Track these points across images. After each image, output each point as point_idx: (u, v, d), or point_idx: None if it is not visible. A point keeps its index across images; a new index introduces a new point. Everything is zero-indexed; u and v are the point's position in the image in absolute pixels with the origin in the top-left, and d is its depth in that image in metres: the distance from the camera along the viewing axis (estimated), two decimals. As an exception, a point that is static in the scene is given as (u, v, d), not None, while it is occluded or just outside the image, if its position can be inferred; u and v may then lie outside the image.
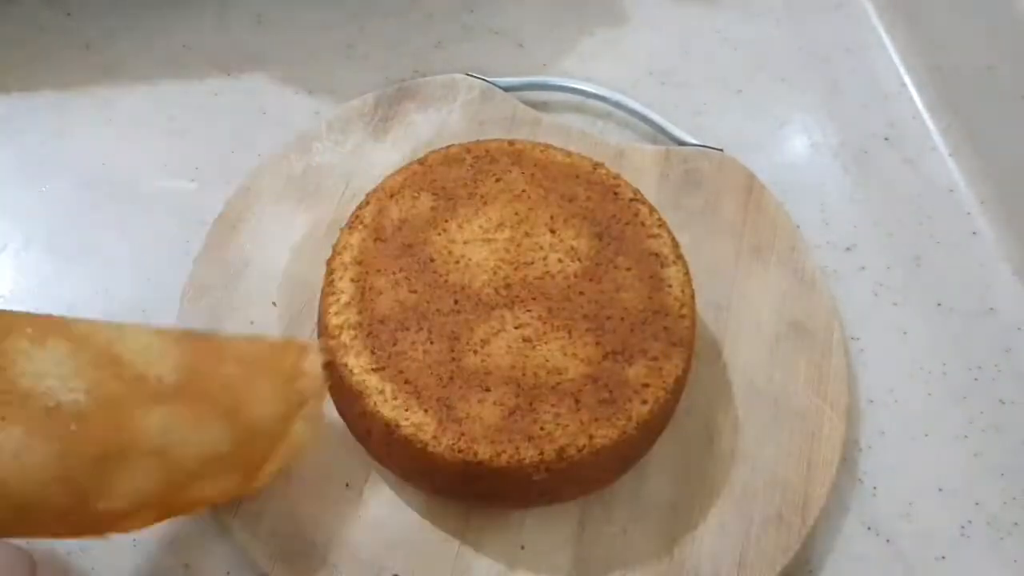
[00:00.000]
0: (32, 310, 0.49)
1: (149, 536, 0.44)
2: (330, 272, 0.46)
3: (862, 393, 0.51)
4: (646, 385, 0.43)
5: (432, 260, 0.46)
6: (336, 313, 0.44)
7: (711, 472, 0.46)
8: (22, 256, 0.51)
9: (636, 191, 0.49)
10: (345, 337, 0.44)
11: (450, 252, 0.46)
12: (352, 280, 0.45)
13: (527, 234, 0.47)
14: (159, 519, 0.39)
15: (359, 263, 0.46)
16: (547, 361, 0.43)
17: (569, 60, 0.62)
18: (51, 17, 0.60)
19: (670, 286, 0.46)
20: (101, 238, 0.52)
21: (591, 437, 0.42)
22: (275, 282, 0.50)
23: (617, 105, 0.58)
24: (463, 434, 0.41)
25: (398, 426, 0.42)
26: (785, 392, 0.49)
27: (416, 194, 0.48)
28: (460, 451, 0.41)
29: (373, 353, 0.43)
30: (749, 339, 0.50)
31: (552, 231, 0.47)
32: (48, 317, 0.37)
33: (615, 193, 0.49)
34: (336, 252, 0.47)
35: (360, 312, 0.44)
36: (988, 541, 0.47)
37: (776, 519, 0.45)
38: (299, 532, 0.43)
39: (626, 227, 0.48)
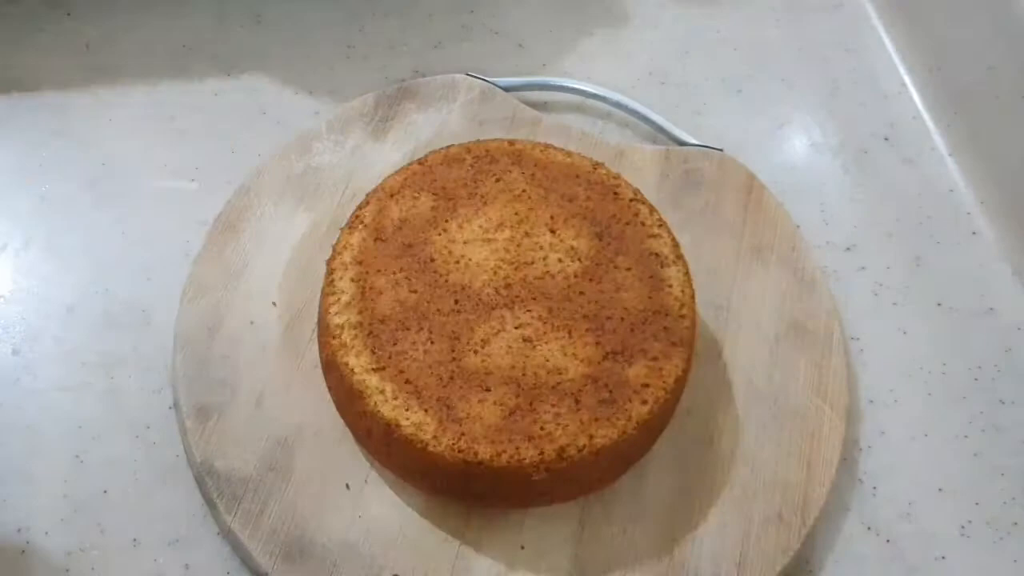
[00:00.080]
0: (32, 310, 0.50)
1: (149, 536, 0.44)
2: (330, 272, 0.46)
3: (862, 393, 0.51)
4: (646, 385, 0.43)
5: (432, 260, 0.46)
6: (336, 313, 0.44)
7: (711, 472, 0.46)
8: (22, 256, 0.51)
9: (636, 191, 0.49)
10: (345, 337, 0.44)
11: (450, 252, 0.46)
12: (352, 280, 0.45)
13: (527, 234, 0.47)
14: None
15: (359, 263, 0.46)
16: (547, 361, 0.43)
17: (569, 60, 0.62)
18: (51, 17, 0.60)
19: (670, 286, 0.46)
20: (101, 238, 0.52)
21: (591, 437, 0.42)
22: (275, 282, 0.50)
23: (617, 105, 0.58)
24: (463, 434, 0.41)
25: (398, 426, 0.42)
26: (785, 392, 0.49)
27: (416, 194, 0.48)
28: (460, 451, 0.41)
29: (373, 353, 0.43)
30: (749, 339, 0.50)
31: (552, 231, 0.47)
32: None
33: (615, 193, 0.49)
34: (336, 252, 0.47)
35: (360, 312, 0.44)
36: (988, 541, 0.47)
37: (776, 519, 0.45)
38: (299, 532, 0.43)
39: (626, 227, 0.48)
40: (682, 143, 0.57)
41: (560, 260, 0.46)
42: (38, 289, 0.50)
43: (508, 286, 0.45)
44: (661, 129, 0.57)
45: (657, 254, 0.47)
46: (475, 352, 0.43)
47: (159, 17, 0.60)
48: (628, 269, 0.46)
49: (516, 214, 0.47)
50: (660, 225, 0.48)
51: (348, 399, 0.44)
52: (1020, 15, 0.55)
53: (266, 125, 0.57)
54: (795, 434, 0.47)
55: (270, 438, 0.45)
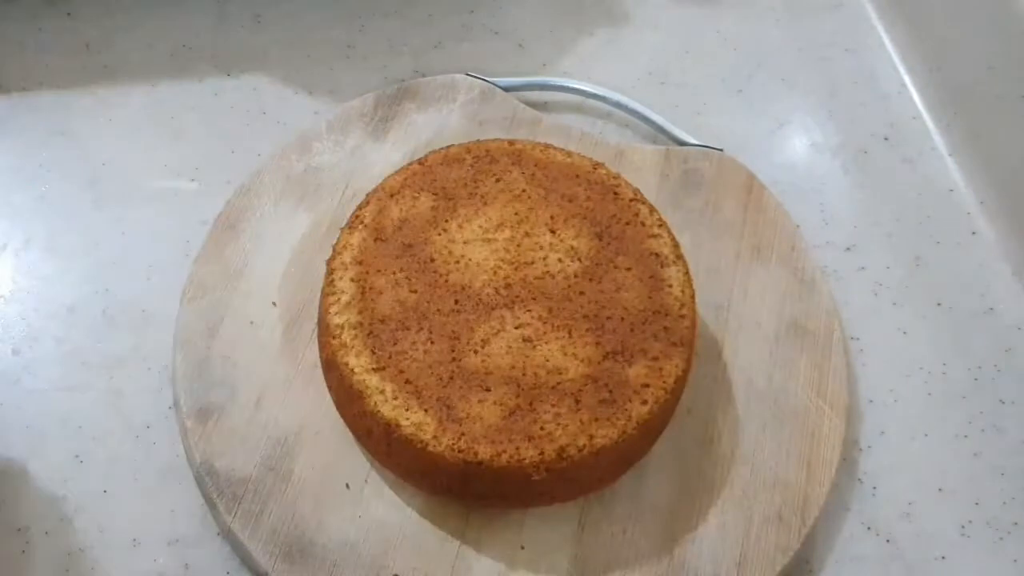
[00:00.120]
0: (32, 310, 0.50)
1: (149, 536, 0.44)
2: (330, 272, 0.46)
3: (862, 393, 0.51)
4: (646, 385, 0.43)
5: (432, 260, 0.46)
6: (336, 313, 0.44)
7: (711, 472, 0.46)
8: (22, 256, 0.51)
9: (636, 191, 0.49)
10: (345, 337, 0.44)
11: (450, 252, 0.46)
12: (352, 280, 0.45)
13: (527, 234, 0.47)
14: None
15: (359, 263, 0.46)
16: (547, 361, 0.43)
17: (569, 60, 0.62)
18: (51, 17, 0.60)
19: (670, 286, 0.46)
20: (101, 238, 0.52)
21: (591, 437, 0.42)
22: (275, 282, 0.50)
23: (617, 105, 0.58)
24: (463, 434, 0.41)
25: (398, 426, 0.42)
26: (785, 392, 0.49)
27: (416, 194, 0.48)
28: (460, 451, 0.41)
29: (373, 353, 0.43)
30: (749, 339, 0.50)
31: (552, 231, 0.47)
32: None
33: (615, 193, 0.49)
34: (336, 252, 0.47)
35: (360, 312, 0.44)
36: (988, 541, 0.47)
37: (776, 519, 0.45)
38: (299, 532, 0.43)
39: (626, 227, 0.48)
40: (682, 143, 0.57)
41: (560, 260, 0.46)
42: (38, 289, 0.50)
43: (508, 286, 0.45)
44: (661, 129, 0.57)
45: (657, 254, 0.47)
46: (475, 352, 0.43)
47: (159, 17, 0.60)
48: (628, 269, 0.46)
49: (516, 214, 0.47)
50: (660, 225, 0.48)
51: (348, 399, 0.44)
52: (1020, 15, 0.55)
53: (266, 125, 0.57)
54: (795, 434, 0.47)
55: (270, 438, 0.45)
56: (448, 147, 0.50)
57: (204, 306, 0.48)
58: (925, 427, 0.50)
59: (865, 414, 0.50)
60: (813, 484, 0.46)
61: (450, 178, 0.49)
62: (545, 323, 0.44)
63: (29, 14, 0.59)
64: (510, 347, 0.44)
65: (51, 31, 0.59)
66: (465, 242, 0.46)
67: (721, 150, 0.56)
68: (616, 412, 0.42)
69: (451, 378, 0.43)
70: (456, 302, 0.45)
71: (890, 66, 0.64)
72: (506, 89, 0.57)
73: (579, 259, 0.46)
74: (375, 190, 0.49)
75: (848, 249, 0.56)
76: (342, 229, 0.48)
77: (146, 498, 0.45)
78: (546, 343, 0.44)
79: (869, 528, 0.47)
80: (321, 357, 0.47)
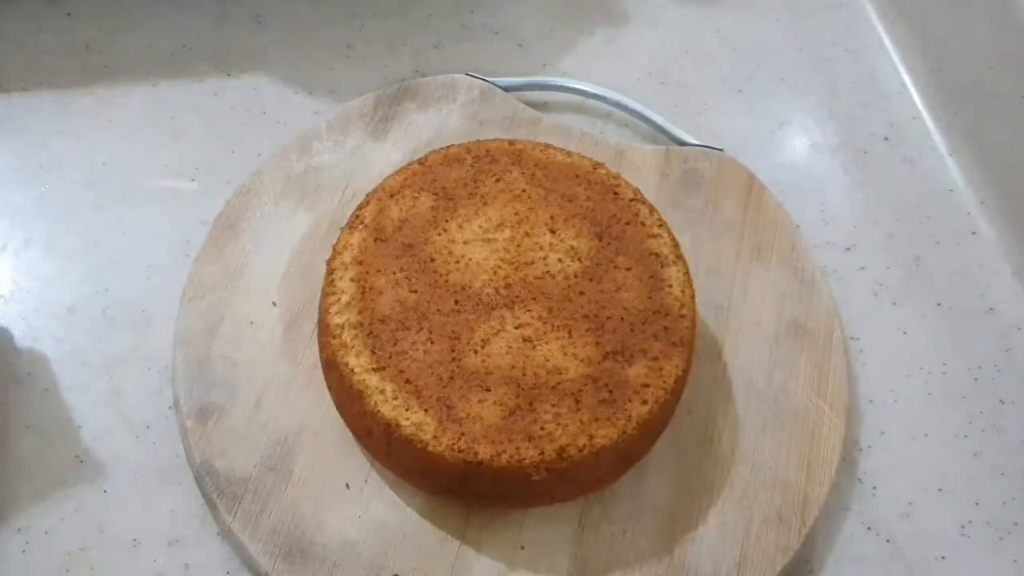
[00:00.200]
0: (32, 310, 0.50)
1: (149, 536, 0.44)
2: (330, 272, 0.46)
3: (862, 393, 0.51)
4: (646, 385, 0.43)
5: (432, 260, 0.46)
6: (336, 313, 0.44)
7: (711, 472, 0.46)
8: (22, 256, 0.51)
9: (636, 191, 0.49)
10: (345, 337, 0.44)
11: (450, 252, 0.46)
12: (352, 280, 0.45)
13: (527, 234, 0.47)
14: None
15: (359, 263, 0.46)
16: (547, 361, 0.43)
17: (569, 60, 0.62)
18: (51, 17, 0.60)
19: (670, 286, 0.46)
20: (101, 238, 0.52)
21: (591, 437, 0.42)
22: (275, 282, 0.50)
23: (617, 105, 0.58)
24: (463, 434, 0.41)
25: (398, 426, 0.42)
26: (785, 392, 0.49)
27: (416, 194, 0.48)
28: (460, 451, 0.41)
29: (373, 353, 0.43)
30: (749, 339, 0.50)
31: (552, 231, 0.47)
32: None
33: (615, 193, 0.49)
34: (336, 252, 0.47)
35: (360, 312, 0.44)
36: (988, 541, 0.47)
37: (776, 519, 0.45)
38: (299, 532, 0.43)
39: (626, 227, 0.48)
40: (682, 143, 0.57)
41: (560, 260, 0.46)
42: (38, 289, 0.50)
43: (508, 286, 0.45)
44: (661, 129, 0.57)
45: (657, 254, 0.47)
46: (475, 352, 0.43)
47: (159, 17, 0.60)
48: (628, 269, 0.46)
49: (516, 214, 0.47)
50: (660, 225, 0.48)
51: (348, 399, 0.44)
52: (1020, 15, 0.55)
53: (266, 125, 0.57)
54: (795, 434, 0.47)
55: (270, 438, 0.45)
56: (448, 147, 0.50)
57: (204, 306, 0.48)
58: (925, 427, 0.50)
59: (865, 414, 0.50)
60: (813, 484, 0.46)
61: (450, 178, 0.49)
62: (545, 323, 0.44)
63: (29, 14, 0.59)
64: (510, 347, 0.44)
65: (51, 31, 0.59)
66: (465, 242, 0.46)
67: (721, 150, 0.56)
68: (616, 412, 0.42)
69: (451, 378, 0.43)
70: (456, 302, 0.45)
71: (890, 66, 0.64)
72: (506, 89, 0.57)
73: (579, 259, 0.46)
74: (375, 190, 0.49)
75: (848, 249, 0.56)
76: (342, 229, 0.48)
77: (146, 498, 0.45)
78: (546, 343, 0.44)
79: (869, 528, 0.47)
80: (321, 357, 0.47)
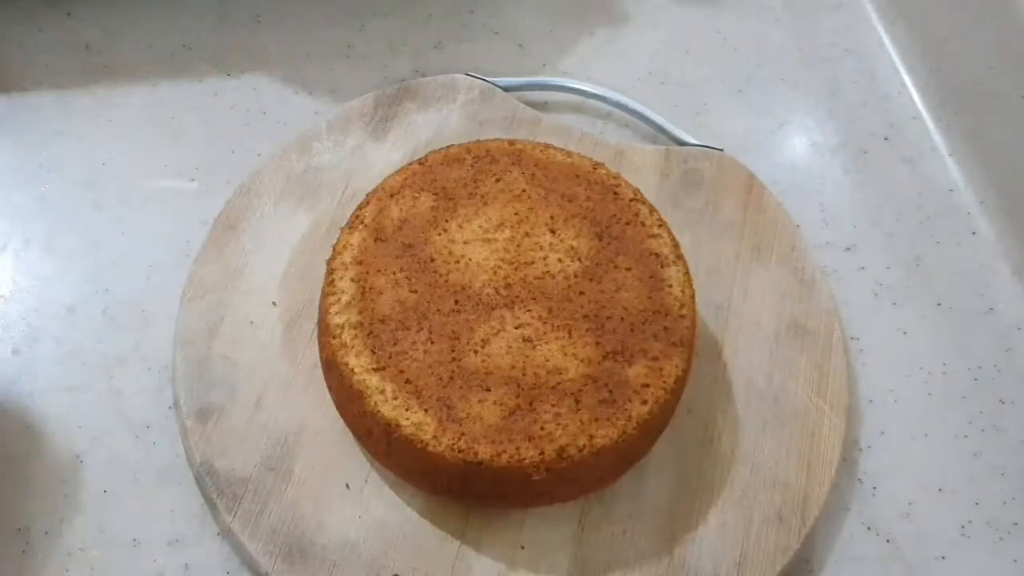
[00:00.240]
0: (32, 310, 0.50)
1: (149, 536, 0.44)
2: (330, 272, 0.46)
3: (862, 393, 0.51)
4: (646, 385, 0.43)
5: (432, 260, 0.46)
6: (337, 313, 0.44)
7: (711, 472, 0.46)
8: (22, 256, 0.51)
9: (636, 191, 0.49)
10: (345, 337, 0.44)
11: (450, 252, 0.46)
12: (352, 280, 0.45)
13: (527, 234, 0.47)
14: None
15: (359, 263, 0.46)
16: (547, 361, 0.43)
17: (569, 60, 0.62)
18: (51, 17, 0.59)
19: (670, 286, 0.46)
20: (101, 238, 0.52)
21: (591, 437, 0.42)
22: (275, 282, 0.50)
23: (617, 105, 0.58)
24: (463, 434, 0.41)
25: (398, 426, 0.42)
26: (785, 392, 0.49)
27: (416, 194, 0.48)
28: (460, 451, 0.41)
29: (373, 353, 0.43)
30: (749, 339, 0.50)
31: (552, 231, 0.47)
32: None
33: (615, 193, 0.49)
34: (336, 252, 0.47)
35: (360, 312, 0.44)
36: (988, 541, 0.47)
37: (776, 519, 0.45)
38: (299, 532, 0.43)
39: (626, 227, 0.48)
40: (682, 143, 0.57)
41: (560, 260, 0.46)
42: (38, 289, 0.50)
43: (508, 286, 0.45)
44: (661, 129, 0.57)
45: (657, 254, 0.47)
46: (475, 352, 0.43)
47: (159, 17, 0.60)
48: (628, 269, 0.46)
49: (516, 214, 0.47)
50: (660, 225, 0.48)
51: (348, 399, 0.44)
52: (1020, 15, 0.55)
53: (266, 125, 0.57)
54: (795, 434, 0.47)
55: (270, 438, 0.45)
56: (448, 147, 0.50)
57: (204, 306, 0.48)
58: (925, 427, 0.50)
59: (865, 414, 0.50)
60: (813, 484, 0.46)
61: (450, 178, 0.49)
62: (545, 323, 0.44)
63: (29, 14, 0.59)
64: (510, 347, 0.44)
65: (51, 31, 0.59)
66: (465, 242, 0.46)
67: (721, 150, 0.56)
68: (616, 412, 0.42)
69: (451, 378, 0.43)
70: (456, 302, 0.45)
71: (890, 66, 0.64)
72: (506, 89, 0.57)
73: (579, 259, 0.46)
74: (375, 190, 0.49)
75: (848, 249, 0.56)
76: (342, 229, 0.48)
77: (146, 498, 0.45)
78: (546, 343, 0.44)
79: (869, 528, 0.47)
80: (321, 357, 0.47)
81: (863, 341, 0.53)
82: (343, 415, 0.45)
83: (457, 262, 0.46)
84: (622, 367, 0.43)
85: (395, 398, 0.42)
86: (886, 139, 0.61)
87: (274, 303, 0.49)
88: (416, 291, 0.45)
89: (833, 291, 0.53)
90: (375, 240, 0.46)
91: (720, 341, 0.50)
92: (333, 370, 0.44)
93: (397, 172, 0.49)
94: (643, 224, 0.48)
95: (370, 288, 0.45)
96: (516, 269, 0.46)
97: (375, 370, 0.43)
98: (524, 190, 0.48)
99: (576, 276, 0.46)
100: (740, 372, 0.49)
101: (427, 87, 0.57)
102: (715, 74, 0.62)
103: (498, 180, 0.49)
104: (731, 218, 0.54)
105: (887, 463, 0.49)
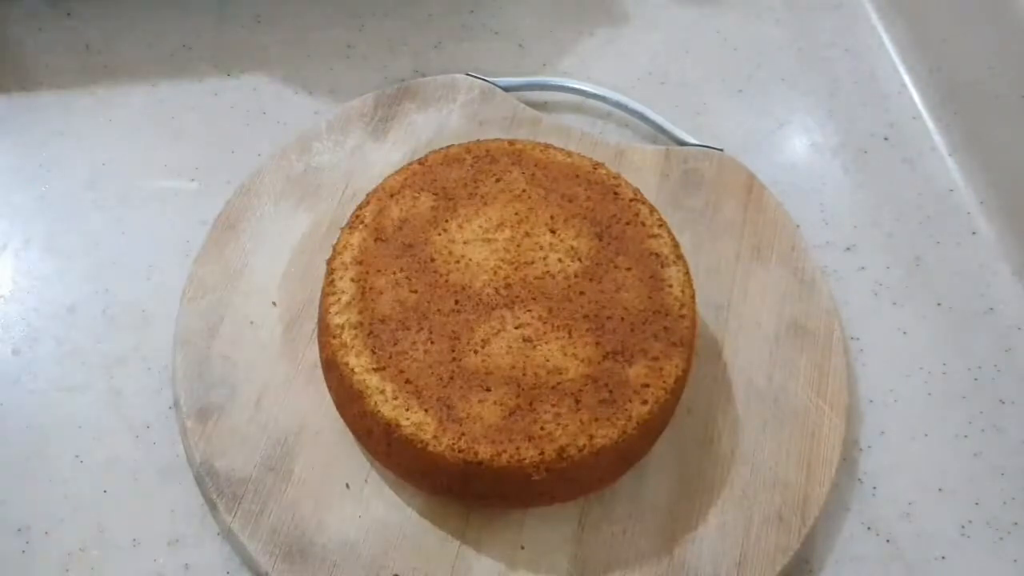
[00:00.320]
0: (32, 310, 0.50)
1: (149, 536, 0.44)
2: (330, 272, 0.46)
3: (862, 393, 0.51)
4: (646, 385, 0.43)
5: (432, 260, 0.46)
6: (337, 313, 0.44)
7: (711, 472, 0.46)
8: (22, 256, 0.51)
9: (636, 191, 0.49)
10: (345, 337, 0.44)
11: (450, 252, 0.46)
12: (352, 280, 0.45)
13: (527, 234, 0.47)
14: None
15: (359, 263, 0.46)
16: (547, 361, 0.43)
17: (569, 60, 0.62)
18: (51, 17, 0.59)
19: (670, 286, 0.46)
20: (101, 238, 0.52)
21: (591, 437, 0.42)
22: (275, 282, 0.50)
23: (617, 105, 0.58)
24: (463, 434, 0.41)
25: (398, 426, 0.42)
26: (785, 392, 0.49)
27: (416, 194, 0.48)
28: (460, 451, 0.41)
29: (374, 353, 0.43)
30: (749, 339, 0.50)
31: (552, 231, 0.47)
32: None
33: (615, 193, 0.49)
34: (336, 252, 0.47)
35: (361, 312, 0.44)
36: (988, 541, 0.47)
37: (776, 519, 0.45)
38: (299, 532, 0.43)
39: (626, 227, 0.48)
40: (682, 143, 0.57)
41: (560, 260, 0.46)
42: (38, 289, 0.50)
43: (508, 286, 0.45)
44: (661, 129, 0.57)
45: (657, 254, 0.47)
46: (475, 352, 0.43)
47: (159, 17, 0.60)
48: (628, 269, 0.46)
49: (516, 214, 0.47)
50: (660, 225, 0.48)
51: (348, 399, 0.44)
52: (1020, 15, 0.55)
53: (266, 125, 0.57)
54: (795, 434, 0.47)
55: (270, 438, 0.45)
56: (448, 147, 0.50)
57: (204, 306, 0.48)
58: (925, 427, 0.50)
59: (865, 414, 0.50)
60: (813, 484, 0.46)
61: (450, 178, 0.49)
62: (545, 323, 0.44)
63: (29, 14, 0.59)
64: (510, 347, 0.44)
65: (51, 31, 0.59)
66: (465, 242, 0.46)
67: (721, 150, 0.56)
68: (616, 412, 0.42)
69: (451, 378, 0.43)
70: (456, 302, 0.45)
71: (890, 66, 0.64)
72: (506, 89, 0.57)
73: (579, 259, 0.46)
74: (375, 190, 0.49)
75: (848, 249, 0.56)
76: (342, 229, 0.48)
77: (146, 498, 0.45)
78: (546, 343, 0.44)
79: (869, 528, 0.47)
80: (321, 357, 0.47)
81: (863, 341, 0.53)
82: (343, 415, 0.45)
83: (457, 262, 0.46)
84: (622, 367, 0.43)
85: (395, 398, 0.42)
86: (886, 139, 0.61)
87: (274, 303, 0.49)
88: (416, 291, 0.45)
89: (833, 291, 0.53)
90: (375, 240, 0.46)
91: (720, 341, 0.50)
92: (333, 370, 0.44)
93: (397, 172, 0.49)
94: (643, 224, 0.48)
95: (370, 288, 0.45)
96: (516, 269, 0.46)
97: (375, 370, 0.43)
98: (524, 190, 0.48)
99: (576, 276, 0.46)
100: (740, 372, 0.49)
101: (427, 87, 0.57)
102: (715, 74, 0.62)
103: (498, 180, 0.49)
104: (731, 218, 0.54)
105: (887, 463, 0.49)
